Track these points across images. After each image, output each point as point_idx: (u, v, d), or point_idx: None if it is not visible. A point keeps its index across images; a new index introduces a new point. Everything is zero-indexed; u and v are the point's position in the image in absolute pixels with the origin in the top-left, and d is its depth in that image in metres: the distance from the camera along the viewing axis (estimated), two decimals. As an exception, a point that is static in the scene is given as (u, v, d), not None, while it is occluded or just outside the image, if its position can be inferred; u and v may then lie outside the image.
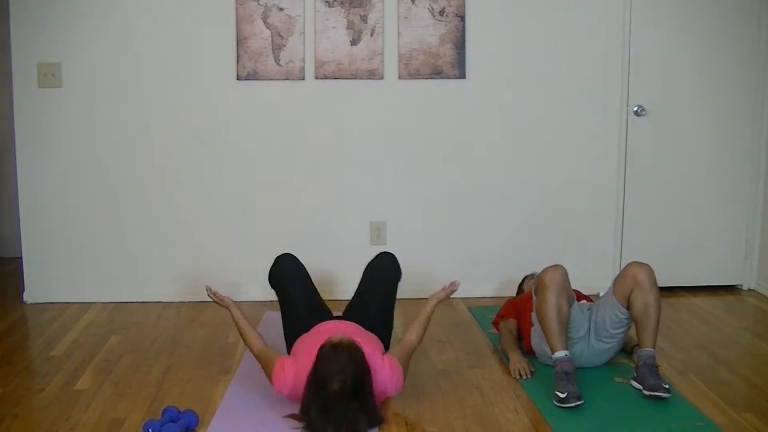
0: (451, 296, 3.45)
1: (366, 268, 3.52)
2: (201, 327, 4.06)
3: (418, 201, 4.55)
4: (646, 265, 3.26)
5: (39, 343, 3.82)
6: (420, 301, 4.42)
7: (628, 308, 3.25)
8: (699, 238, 4.68)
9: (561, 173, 4.57)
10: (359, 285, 3.48)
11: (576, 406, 2.96)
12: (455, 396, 3.14)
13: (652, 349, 3.18)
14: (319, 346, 2.86)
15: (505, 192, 4.57)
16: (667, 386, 3.04)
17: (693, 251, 4.69)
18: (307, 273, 3.47)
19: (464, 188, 4.56)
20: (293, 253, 3.50)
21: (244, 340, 3.14)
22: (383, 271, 3.42)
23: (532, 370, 3.34)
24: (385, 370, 2.88)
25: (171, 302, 4.49)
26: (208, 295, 3.31)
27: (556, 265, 3.28)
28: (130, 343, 3.80)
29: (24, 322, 4.17)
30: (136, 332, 3.97)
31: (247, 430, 2.84)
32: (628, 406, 3.04)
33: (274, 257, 3.46)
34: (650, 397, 3.04)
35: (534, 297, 3.32)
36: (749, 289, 4.73)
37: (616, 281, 3.32)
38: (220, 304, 3.29)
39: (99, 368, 3.44)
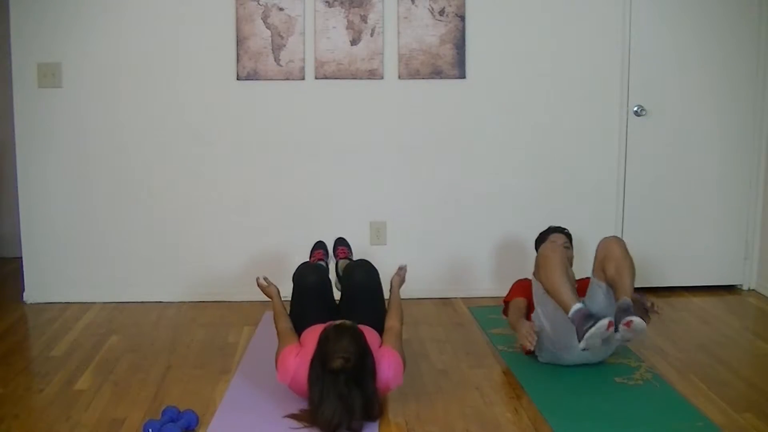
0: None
1: (342, 278, 3.55)
2: (201, 327, 4.06)
3: (418, 201, 4.55)
4: (616, 236, 3.44)
5: (39, 343, 3.82)
6: (421, 300, 4.46)
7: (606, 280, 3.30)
8: (699, 238, 4.67)
9: (561, 173, 4.57)
10: (342, 296, 3.42)
11: (609, 322, 3.01)
12: (455, 396, 3.14)
13: (627, 299, 3.18)
14: (320, 330, 2.90)
15: (505, 192, 4.57)
16: (640, 318, 3.08)
17: (693, 251, 4.69)
18: (330, 287, 3.43)
19: (464, 188, 4.55)
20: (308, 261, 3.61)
21: (275, 320, 3.24)
22: (363, 285, 3.35)
23: (536, 330, 3.33)
24: (383, 359, 2.90)
25: (171, 302, 4.49)
26: (258, 284, 3.45)
27: (553, 242, 3.44)
28: (130, 343, 3.80)
29: (24, 322, 4.17)
30: (136, 332, 3.97)
31: (247, 429, 2.84)
32: (628, 406, 3.04)
33: (298, 261, 3.54)
34: (626, 326, 3.03)
35: (534, 280, 3.39)
36: (749, 289, 4.73)
37: (594, 262, 3.40)
38: (264, 293, 3.43)
39: (99, 368, 3.44)
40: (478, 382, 3.28)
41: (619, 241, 3.36)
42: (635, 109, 4.52)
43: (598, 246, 3.41)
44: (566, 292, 3.19)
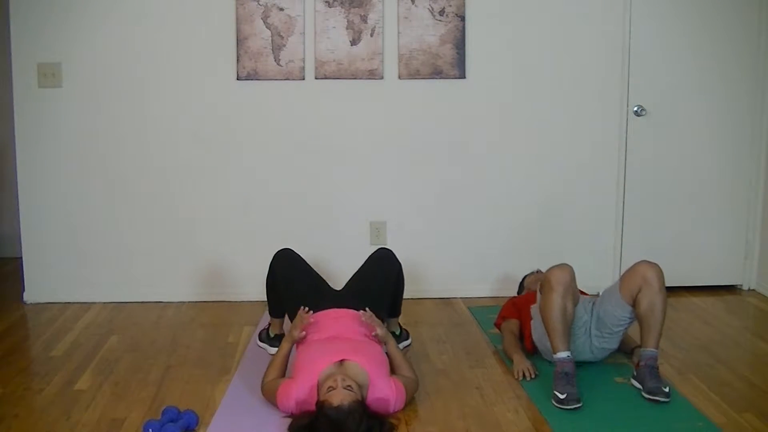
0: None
1: (369, 259, 3.56)
2: (201, 327, 4.06)
3: (418, 201, 4.55)
4: (656, 264, 3.20)
5: (39, 343, 3.82)
6: (420, 300, 4.46)
7: (634, 306, 3.21)
8: (699, 238, 4.67)
9: (561, 173, 4.57)
10: (360, 270, 3.53)
11: (575, 408, 2.97)
12: (455, 396, 3.14)
13: (655, 350, 3.16)
14: (319, 364, 2.88)
15: (505, 192, 4.57)
16: (666, 389, 3.04)
17: (693, 251, 4.69)
18: (307, 263, 3.53)
19: (464, 188, 4.56)
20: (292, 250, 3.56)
21: (267, 370, 3.08)
22: (379, 264, 3.49)
23: (537, 372, 3.32)
24: (389, 391, 2.89)
25: (171, 302, 4.49)
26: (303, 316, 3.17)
27: (562, 265, 3.23)
28: (130, 343, 3.80)
29: (24, 322, 4.17)
30: (136, 332, 3.97)
31: (247, 430, 2.84)
32: (628, 406, 3.04)
33: (272, 257, 3.51)
34: (649, 400, 3.05)
35: (539, 294, 3.30)
36: (749, 289, 4.73)
37: (624, 278, 3.27)
38: (295, 336, 3.12)
39: (99, 368, 3.44)
40: (478, 382, 3.28)
41: (659, 274, 3.18)
42: (635, 109, 4.52)
43: (635, 269, 3.22)
44: (557, 334, 3.13)
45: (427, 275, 4.53)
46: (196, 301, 4.49)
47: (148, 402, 3.07)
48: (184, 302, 4.49)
